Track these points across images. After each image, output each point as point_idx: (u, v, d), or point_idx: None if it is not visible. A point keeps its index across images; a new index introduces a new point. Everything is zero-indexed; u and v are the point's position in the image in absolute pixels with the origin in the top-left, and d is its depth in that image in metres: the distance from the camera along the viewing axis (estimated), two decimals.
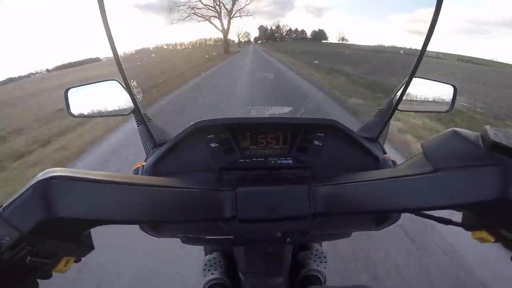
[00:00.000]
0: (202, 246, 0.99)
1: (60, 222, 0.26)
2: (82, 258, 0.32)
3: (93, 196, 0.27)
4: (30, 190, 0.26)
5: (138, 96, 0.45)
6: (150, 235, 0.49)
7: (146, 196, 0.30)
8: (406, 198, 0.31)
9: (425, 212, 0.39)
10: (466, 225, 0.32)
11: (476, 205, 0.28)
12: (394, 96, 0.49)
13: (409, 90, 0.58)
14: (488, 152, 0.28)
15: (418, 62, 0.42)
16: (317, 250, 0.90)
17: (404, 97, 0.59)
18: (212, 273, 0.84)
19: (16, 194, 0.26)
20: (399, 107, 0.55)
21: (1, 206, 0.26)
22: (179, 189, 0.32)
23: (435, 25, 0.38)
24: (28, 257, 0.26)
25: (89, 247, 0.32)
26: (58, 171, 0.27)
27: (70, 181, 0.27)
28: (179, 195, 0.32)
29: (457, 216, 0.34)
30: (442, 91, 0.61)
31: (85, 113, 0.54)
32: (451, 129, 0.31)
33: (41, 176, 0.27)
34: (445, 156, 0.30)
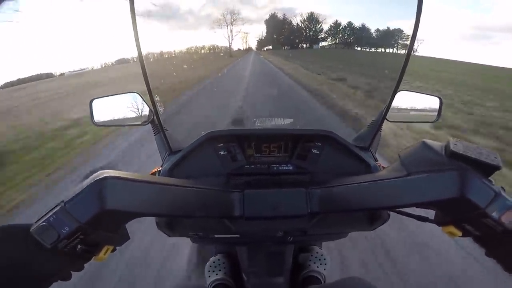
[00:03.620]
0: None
1: (109, 214, 0.32)
2: (117, 248, 0.37)
3: (136, 193, 0.33)
4: (89, 188, 0.31)
5: (160, 109, 0.51)
6: (165, 233, 0.54)
7: (174, 194, 0.36)
8: (385, 198, 0.37)
9: (405, 211, 0.44)
10: (438, 221, 0.38)
11: (440, 202, 0.34)
12: (385, 108, 0.55)
13: (400, 103, 0.64)
14: (449, 159, 0.33)
15: (401, 75, 0.48)
16: (317, 252, 0.94)
17: (396, 109, 0.65)
18: (217, 274, 0.88)
19: (75, 191, 0.31)
20: (390, 118, 0.61)
21: (63, 201, 0.31)
22: (200, 189, 0.38)
23: (413, 43, 0.45)
24: (79, 246, 0.31)
25: (126, 237, 0.38)
26: (109, 173, 0.33)
27: (119, 181, 0.32)
28: (199, 195, 0.38)
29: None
30: (429, 103, 0.67)
31: (107, 122, 0.60)
32: (422, 140, 0.37)
33: (96, 176, 0.32)
34: (416, 163, 0.36)
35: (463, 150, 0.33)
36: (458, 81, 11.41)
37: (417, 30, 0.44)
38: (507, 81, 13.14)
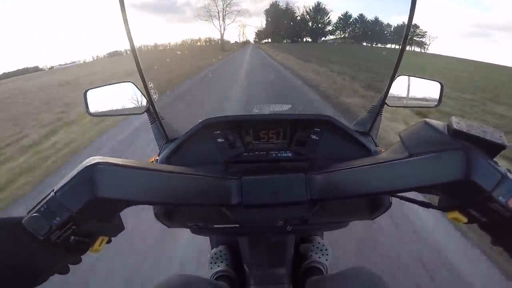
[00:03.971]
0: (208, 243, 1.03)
1: (102, 203, 0.31)
2: (112, 239, 0.36)
3: (128, 180, 0.32)
4: (79, 175, 0.30)
5: (154, 97, 0.50)
6: (163, 224, 0.54)
7: (169, 181, 0.35)
8: (386, 181, 0.35)
9: (407, 197, 0.43)
10: (442, 207, 0.36)
11: (444, 186, 0.32)
12: (384, 92, 0.54)
13: (400, 87, 0.63)
14: (452, 138, 0.32)
15: (399, 60, 0.47)
16: (318, 243, 0.94)
17: (396, 94, 0.64)
18: (218, 266, 0.88)
19: (65, 179, 0.30)
20: (390, 103, 0.60)
21: (53, 190, 0.30)
22: (196, 176, 0.38)
23: (410, 28, 0.44)
24: (72, 237, 0.30)
25: (121, 227, 0.37)
26: (100, 159, 0.32)
27: (111, 167, 0.31)
28: (195, 182, 0.38)
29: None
30: (430, 88, 0.66)
31: (102, 112, 0.59)
32: (423, 119, 0.36)
33: (87, 163, 0.31)
34: (417, 143, 0.34)
35: (466, 128, 0.31)
36: None
37: (412, 16, 0.43)
38: None
